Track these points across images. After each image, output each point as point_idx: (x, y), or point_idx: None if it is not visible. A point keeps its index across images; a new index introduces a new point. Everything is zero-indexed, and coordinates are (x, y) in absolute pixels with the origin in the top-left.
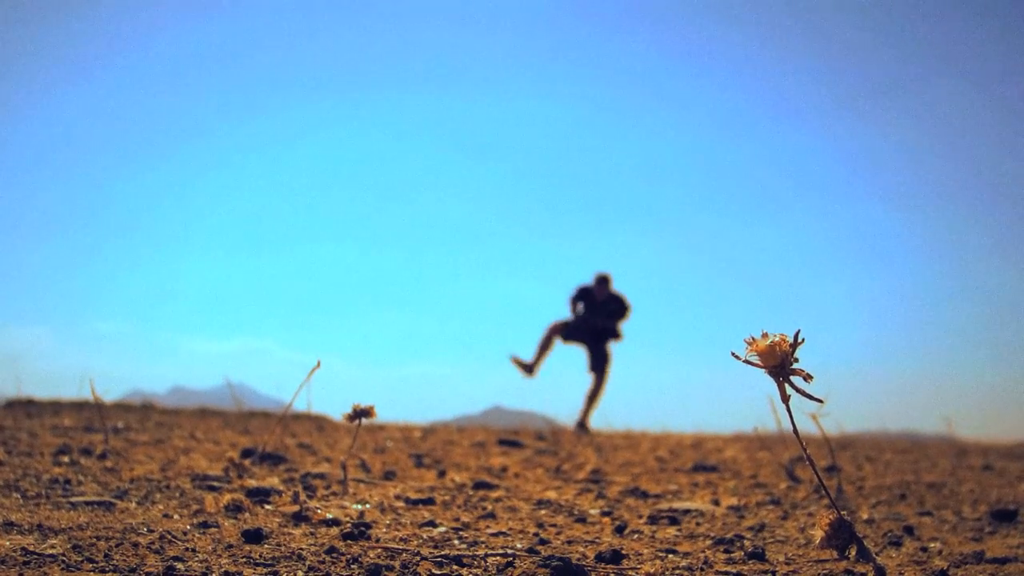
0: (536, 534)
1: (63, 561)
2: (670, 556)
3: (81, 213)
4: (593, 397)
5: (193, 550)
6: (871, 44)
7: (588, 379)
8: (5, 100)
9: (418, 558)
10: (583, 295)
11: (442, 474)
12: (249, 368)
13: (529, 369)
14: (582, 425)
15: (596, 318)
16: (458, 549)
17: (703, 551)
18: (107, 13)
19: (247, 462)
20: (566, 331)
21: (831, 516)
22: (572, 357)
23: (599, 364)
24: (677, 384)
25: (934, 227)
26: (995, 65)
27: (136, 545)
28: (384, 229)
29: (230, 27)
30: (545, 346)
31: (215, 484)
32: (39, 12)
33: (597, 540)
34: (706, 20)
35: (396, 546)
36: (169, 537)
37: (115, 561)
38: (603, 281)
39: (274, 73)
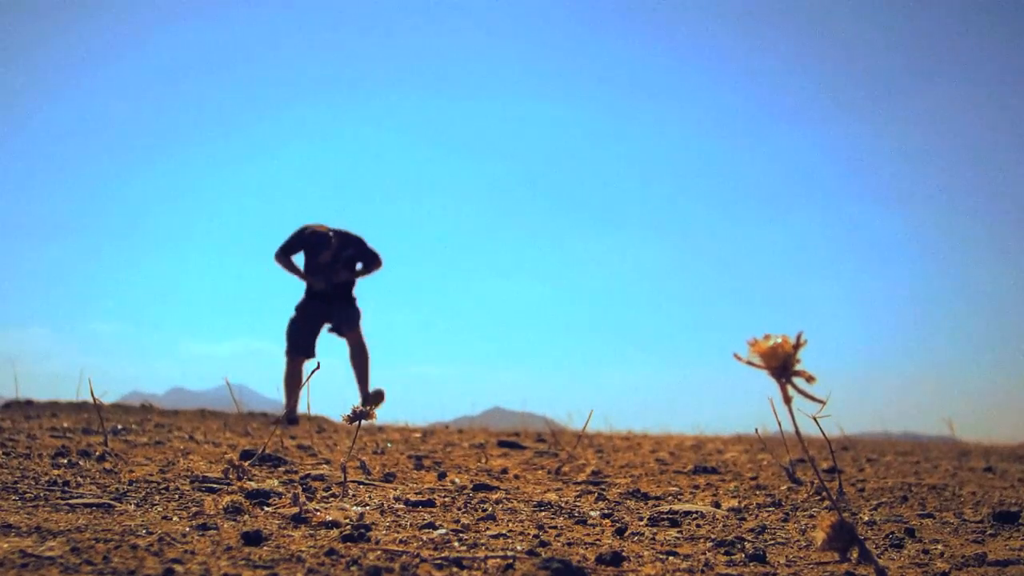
0: (536, 536)
1: (62, 564)
2: (671, 558)
3: (80, 214)
4: (363, 386)
5: (192, 552)
6: (871, 44)
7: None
8: (4, 101)
9: (418, 560)
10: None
11: (442, 476)
12: (249, 369)
13: (289, 421)
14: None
15: (328, 280)
16: (458, 551)
17: (704, 553)
18: (105, 14)
19: (246, 464)
20: (298, 339)
21: (832, 518)
22: (573, 355)
23: (356, 354)
24: (678, 385)
25: (935, 228)
26: (995, 65)
27: (135, 547)
28: (383, 229)
29: (228, 28)
30: (292, 387)
31: (214, 486)
32: (37, 13)
33: (597, 542)
34: (705, 20)
35: (396, 548)
36: (168, 539)
37: (114, 563)
38: (318, 240)
39: (274, 74)
